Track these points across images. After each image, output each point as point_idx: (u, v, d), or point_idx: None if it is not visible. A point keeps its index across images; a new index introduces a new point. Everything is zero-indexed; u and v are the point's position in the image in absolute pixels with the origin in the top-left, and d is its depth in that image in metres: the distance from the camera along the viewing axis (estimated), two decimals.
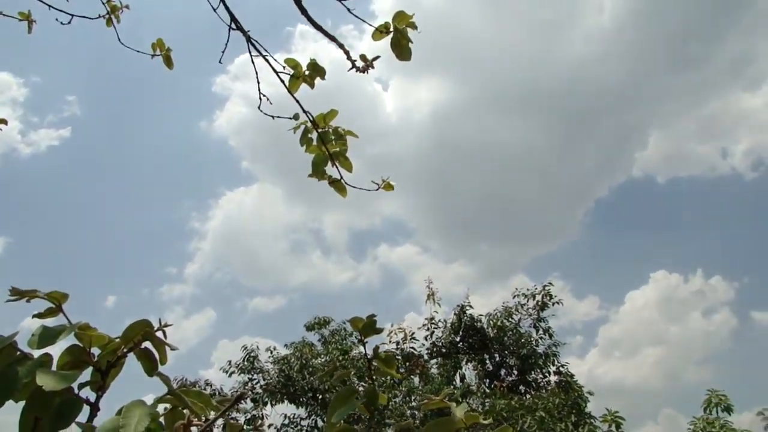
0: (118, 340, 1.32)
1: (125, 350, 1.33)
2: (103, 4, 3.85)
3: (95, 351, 1.31)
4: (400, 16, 2.82)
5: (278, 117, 3.03)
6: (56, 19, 3.81)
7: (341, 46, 2.97)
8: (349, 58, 2.91)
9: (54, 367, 1.23)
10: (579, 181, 44.25)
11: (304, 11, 2.96)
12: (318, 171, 2.97)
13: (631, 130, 45.24)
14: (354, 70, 2.90)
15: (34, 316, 1.32)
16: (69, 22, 3.82)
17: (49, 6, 3.75)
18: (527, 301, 18.53)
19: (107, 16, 3.86)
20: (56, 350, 1.26)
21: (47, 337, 1.23)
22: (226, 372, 18.40)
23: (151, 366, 1.36)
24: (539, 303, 18.36)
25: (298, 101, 2.97)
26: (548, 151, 44.73)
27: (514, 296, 18.74)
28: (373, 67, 2.89)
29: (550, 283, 18.62)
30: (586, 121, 44.99)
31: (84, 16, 3.87)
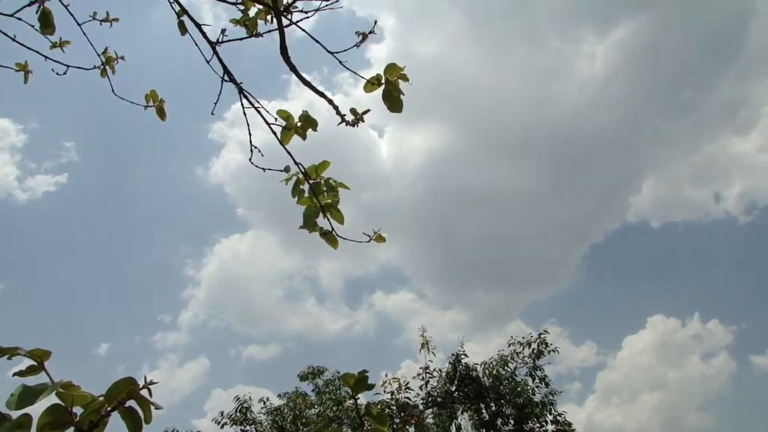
0: (101, 398, 1.29)
1: (109, 409, 1.31)
2: (98, 55, 3.89)
3: (78, 410, 1.28)
4: (391, 68, 2.84)
5: (269, 169, 3.03)
6: (52, 70, 3.84)
7: (330, 101, 2.99)
8: (338, 113, 2.93)
9: (34, 429, 1.20)
10: (575, 226, 44.63)
11: (292, 67, 2.99)
12: (309, 223, 2.96)
13: (626, 175, 45.80)
14: (344, 124, 2.92)
15: (15, 374, 1.29)
16: (65, 73, 3.85)
17: (45, 57, 3.79)
18: (523, 349, 18.40)
19: (102, 67, 3.89)
20: (37, 409, 1.24)
21: (27, 396, 1.20)
22: (218, 423, 18.11)
23: (135, 426, 1.33)
24: (535, 351, 18.22)
25: (289, 153, 2.98)
26: (544, 197, 45.08)
27: (510, 344, 18.62)
28: (363, 121, 2.90)
29: (545, 331, 18.52)
30: (582, 166, 45.55)
31: (79, 67, 3.90)
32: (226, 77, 3.00)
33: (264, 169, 3.04)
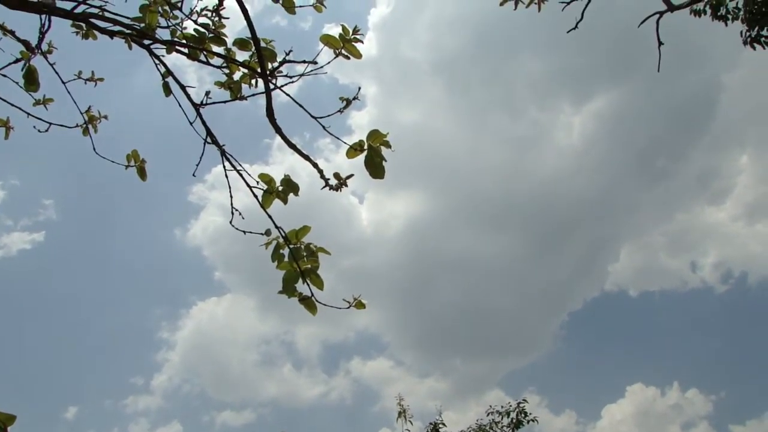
0: None
1: None
2: (81, 114, 3.87)
3: None
4: (374, 134, 2.83)
5: (250, 232, 2.99)
6: (34, 127, 3.82)
7: (315, 165, 2.98)
8: (322, 176, 2.92)
9: None
10: (554, 294, 44.11)
11: (278, 130, 2.98)
12: (288, 288, 2.91)
13: (603, 242, 45.68)
14: (327, 188, 2.90)
15: None
16: (47, 130, 3.83)
17: (28, 114, 3.77)
18: (502, 418, 18.10)
19: (84, 126, 3.87)
20: None
21: None
22: None
23: None
24: (514, 421, 17.93)
25: (270, 217, 2.95)
26: (523, 264, 44.98)
27: (489, 413, 18.33)
28: (346, 186, 2.89)
29: (524, 400, 18.26)
30: (560, 234, 45.29)
31: (62, 125, 3.88)
32: (208, 139, 2.99)
33: (244, 232, 3.00)
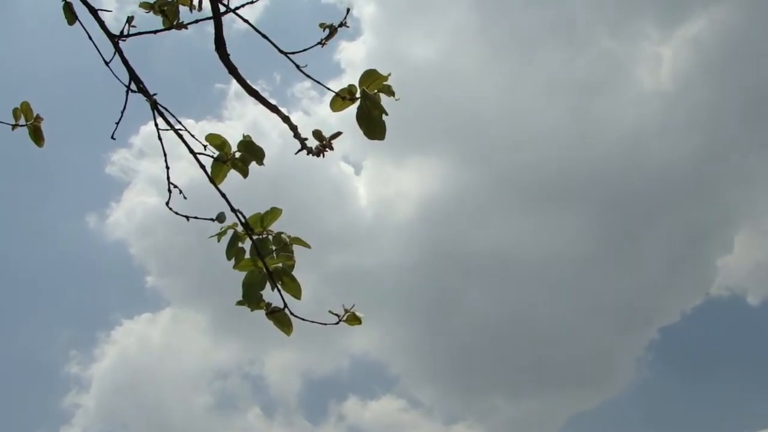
0: None
1: None
2: None
3: None
4: (371, 77, 2.05)
5: (195, 218, 2.18)
6: None
7: (286, 119, 2.15)
8: (297, 136, 2.09)
9: None
10: (636, 304, 30.66)
11: (233, 71, 2.16)
12: (251, 297, 2.12)
13: (708, 229, 31.51)
14: (305, 152, 2.07)
15: None
16: None
17: None
18: None
19: None
20: None
21: None
22: None
23: None
24: None
25: (224, 196, 2.14)
26: (589, 264, 31.36)
27: None
28: (332, 149, 2.07)
29: None
30: (643, 220, 31.26)
31: None
32: (133, 86, 2.17)
33: (187, 218, 2.20)
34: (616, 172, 29.77)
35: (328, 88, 2.05)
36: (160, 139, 2.17)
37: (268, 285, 2.12)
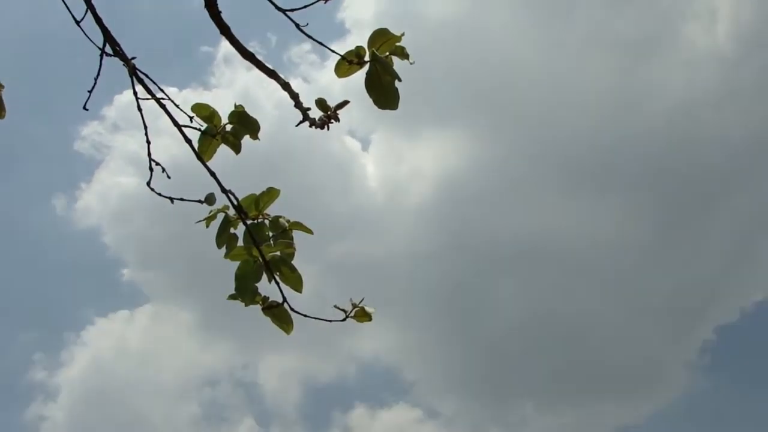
0: None
1: None
2: None
3: None
4: (381, 37, 1.80)
5: (180, 200, 1.90)
6: None
7: (286, 86, 1.89)
8: (298, 105, 1.84)
9: None
10: (687, 300, 26.81)
11: (225, 30, 1.89)
12: (245, 289, 1.85)
13: None
14: (306, 124, 1.81)
15: None
16: None
17: None
18: None
19: None
20: None
21: None
22: None
23: None
24: None
25: (213, 174, 1.87)
26: (634, 253, 26.67)
27: None
28: (337, 120, 1.82)
29: None
30: (699, 202, 26.99)
31: None
32: (108, 49, 1.89)
33: (171, 200, 1.92)
34: (668, 148, 25.18)
35: (333, 51, 1.82)
36: (139, 109, 1.90)
37: (264, 277, 1.86)
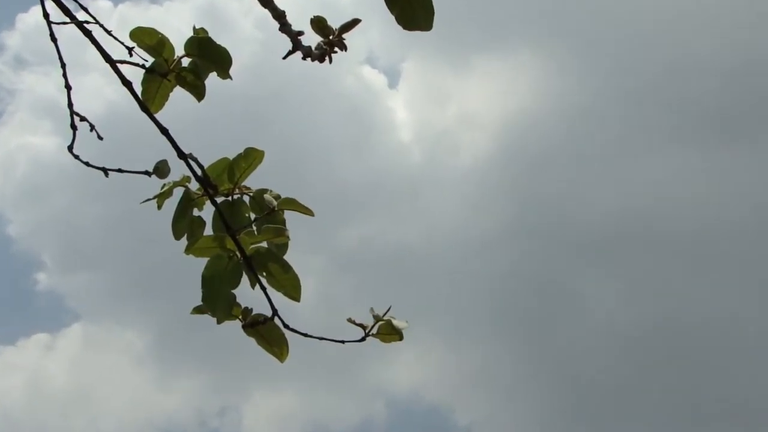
0: None
1: None
2: None
3: None
4: None
5: (118, 171, 1.33)
6: None
7: (267, 2, 1.29)
8: (284, 27, 1.24)
9: None
10: None
11: None
12: (216, 299, 1.30)
13: None
14: (298, 55, 1.24)
15: None
16: None
17: None
18: None
19: None
20: None
21: None
22: None
23: None
24: None
25: (166, 132, 1.30)
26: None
27: None
28: (344, 48, 1.24)
29: None
30: None
31: None
32: None
33: (105, 171, 1.34)
34: None
35: None
36: (53, 38, 1.31)
37: (245, 279, 1.30)
